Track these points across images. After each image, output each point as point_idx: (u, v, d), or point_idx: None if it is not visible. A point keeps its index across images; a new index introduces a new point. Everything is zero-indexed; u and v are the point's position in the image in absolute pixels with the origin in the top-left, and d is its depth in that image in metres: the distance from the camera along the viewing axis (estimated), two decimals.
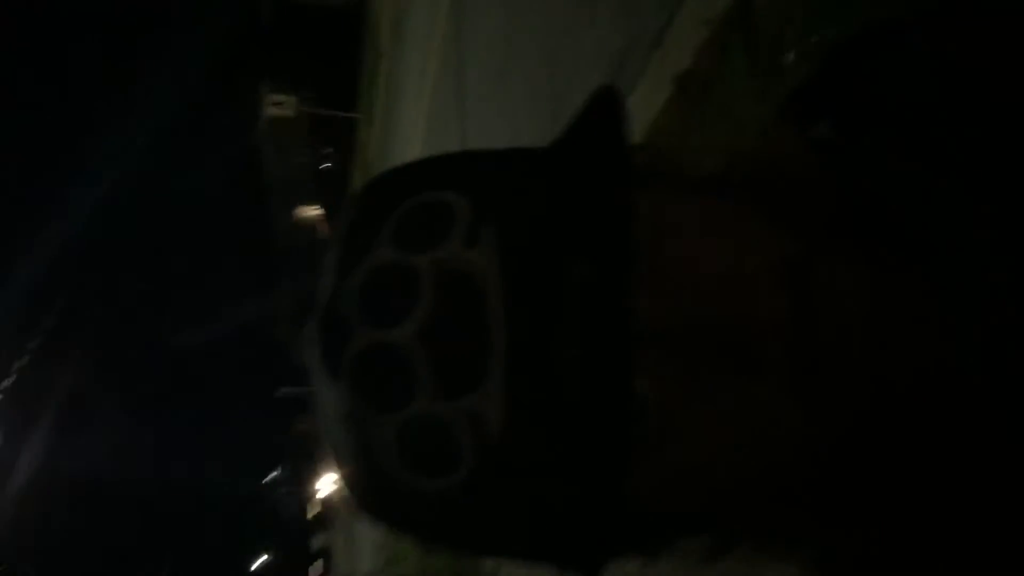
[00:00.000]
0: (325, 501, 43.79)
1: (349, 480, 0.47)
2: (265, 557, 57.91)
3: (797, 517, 0.47)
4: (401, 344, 0.41)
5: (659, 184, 0.45)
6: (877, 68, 0.52)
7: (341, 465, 0.47)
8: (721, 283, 0.42)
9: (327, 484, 40.09)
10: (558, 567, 0.45)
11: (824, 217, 0.47)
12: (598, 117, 0.47)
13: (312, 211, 35.67)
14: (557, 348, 0.40)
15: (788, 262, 0.44)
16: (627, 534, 0.43)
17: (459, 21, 9.07)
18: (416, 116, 12.12)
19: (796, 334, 0.43)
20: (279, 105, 22.40)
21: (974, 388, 0.45)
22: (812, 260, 0.44)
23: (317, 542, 46.73)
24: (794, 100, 0.55)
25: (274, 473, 57.84)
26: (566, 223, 0.42)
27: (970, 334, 0.45)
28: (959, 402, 0.45)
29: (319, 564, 47.61)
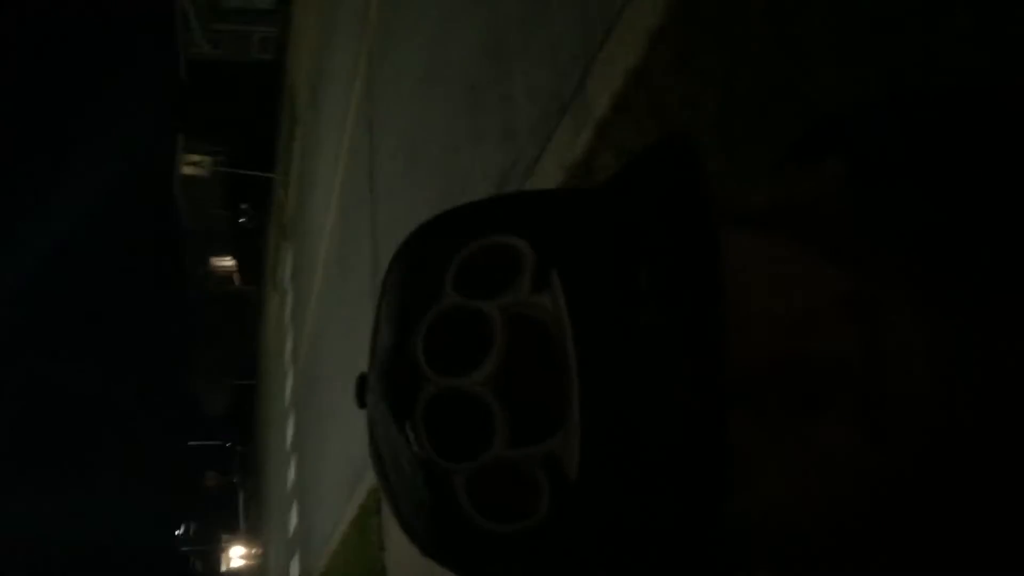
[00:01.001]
0: (232, 573, 42.98)
1: (412, 526, 0.46)
2: None
3: (860, 557, 0.47)
4: (475, 391, 0.41)
5: (725, 221, 0.44)
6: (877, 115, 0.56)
7: (402, 511, 0.46)
8: (788, 321, 0.42)
9: (236, 557, 39.52)
10: None
11: (880, 252, 0.47)
12: (665, 153, 0.46)
13: (226, 263, 35.58)
14: (634, 391, 0.39)
15: (854, 298, 0.43)
16: (706, 572, 0.43)
17: (371, 109, 9.67)
18: (331, 182, 12.62)
19: (866, 370, 0.42)
20: (194, 164, 22.56)
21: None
22: (876, 295, 0.44)
23: None
24: (800, 142, 0.56)
25: (182, 529, 56.44)
26: (636, 263, 0.41)
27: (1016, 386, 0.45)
28: (1012, 447, 0.45)
29: None
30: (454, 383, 0.41)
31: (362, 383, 0.47)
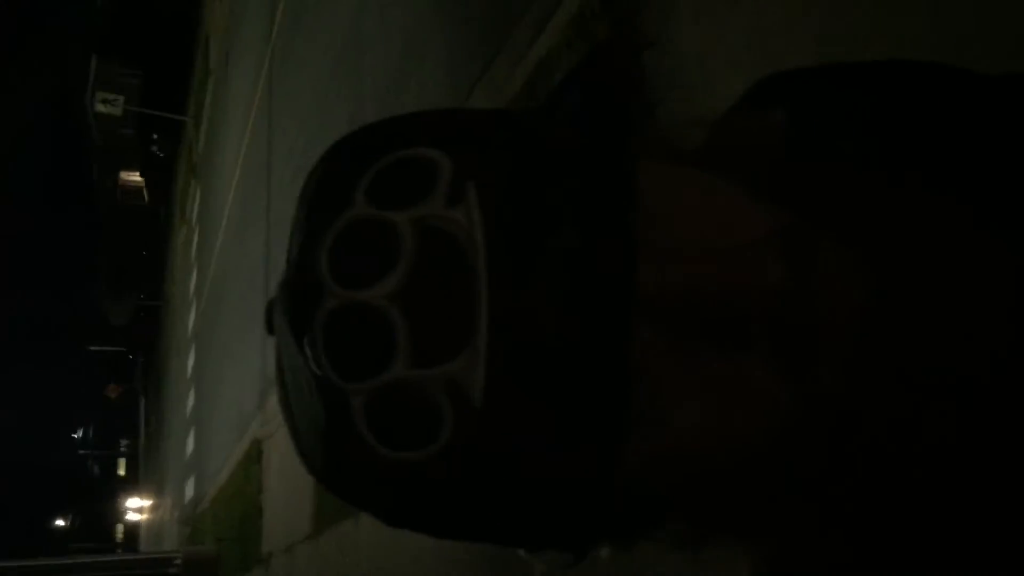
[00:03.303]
0: (130, 524, 43.38)
1: (308, 452, 0.43)
2: (69, 517, 56.76)
3: (770, 509, 0.46)
4: (377, 305, 0.38)
5: (654, 149, 0.43)
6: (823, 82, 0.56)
7: (300, 435, 0.44)
8: (716, 251, 0.41)
9: (133, 510, 39.91)
10: (541, 548, 0.44)
11: (812, 194, 0.46)
12: (590, 75, 0.46)
13: (135, 177, 35.71)
14: (543, 312, 0.37)
15: (782, 235, 0.42)
16: (609, 515, 0.41)
17: (273, 85, 10.53)
18: (237, 142, 13.38)
19: (790, 306, 0.41)
20: (107, 103, 22.76)
21: (978, 382, 0.44)
22: (806, 234, 0.43)
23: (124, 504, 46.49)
24: (749, 94, 0.57)
25: (79, 432, 56.61)
26: (555, 182, 0.40)
27: (976, 325, 0.45)
28: (959, 397, 0.44)
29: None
30: (357, 296, 0.39)
31: (270, 307, 0.44)
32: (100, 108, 23.06)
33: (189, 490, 19.61)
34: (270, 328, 0.44)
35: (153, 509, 36.80)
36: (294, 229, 0.44)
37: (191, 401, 19.68)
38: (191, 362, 20.17)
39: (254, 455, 10.18)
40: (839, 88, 0.55)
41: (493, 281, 0.38)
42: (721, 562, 0.49)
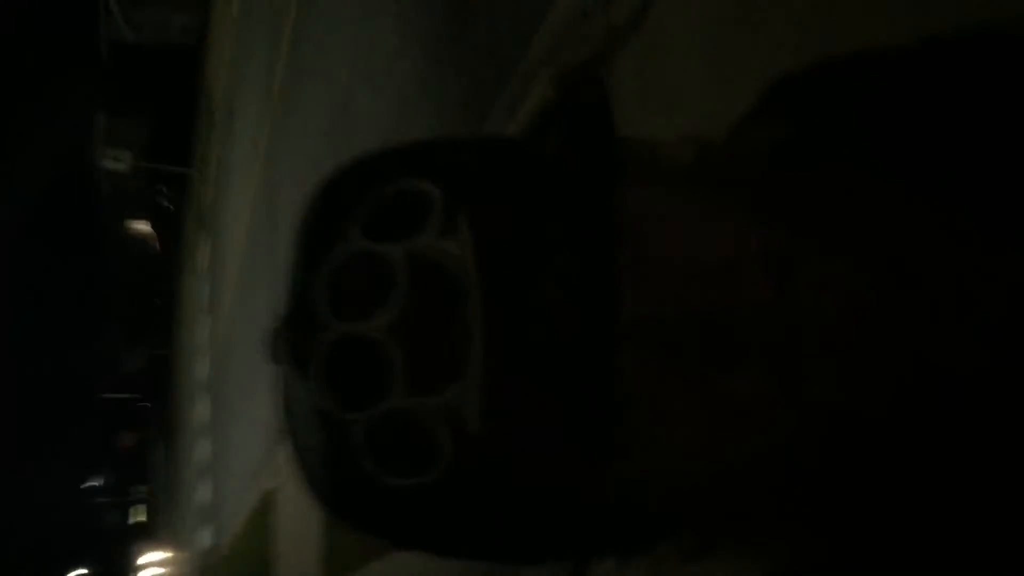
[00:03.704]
0: None
1: (313, 481, 0.45)
2: (83, 571, 56.63)
3: (773, 516, 0.46)
4: (374, 337, 0.39)
5: (641, 173, 0.44)
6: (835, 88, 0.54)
7: (305, 465, 0.45)
8: (704, 272, 0.42)
9: (155, 563, 39.53)
10: (539, 566, 0.44)
11: (807, 211, 0.47)
12: (581, 105, 0.46)
13: (144, 227, 36.14)
14: (537, 339, 0.38)
15: (772, 253, 0.43)
16: (608, 531, 0.42)
17: (275, 143, 10.82)
18: (243, 197, 13.61)
19: (779, 325, 0.42)
20: (115, 159, 23.25)
21: (965, 389, 0.44)
22: (796, 252, 0.44)
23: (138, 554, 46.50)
24: (760, 102, 0.56)
25: (94, 481, 56.64)
26: (546, 212, 0.41)
27: (960, 334, 0.45)
28: (947, 403, 0.44)
29: None
30: (353, 329, 0.40)
31: (274, 336, 0.45)
32: (108, 165, 23.54)
33: (206, 539, 19.68)
34: (275, 356, 0.45)
35: (173, 562, 36.58)
36: (294, 259, 0.46)
37: (206, 449, 19.78)
38: (206, 410, 20.29)
39: (268, 505, 10.34)
40: (838, 87, 0.54)
41: (486, 311, 0.39)
42: (730, 570, 0.49)
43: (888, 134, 0.50)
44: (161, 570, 39.91)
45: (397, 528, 0.45)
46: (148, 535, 46.59)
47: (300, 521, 7.90)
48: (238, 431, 13.61)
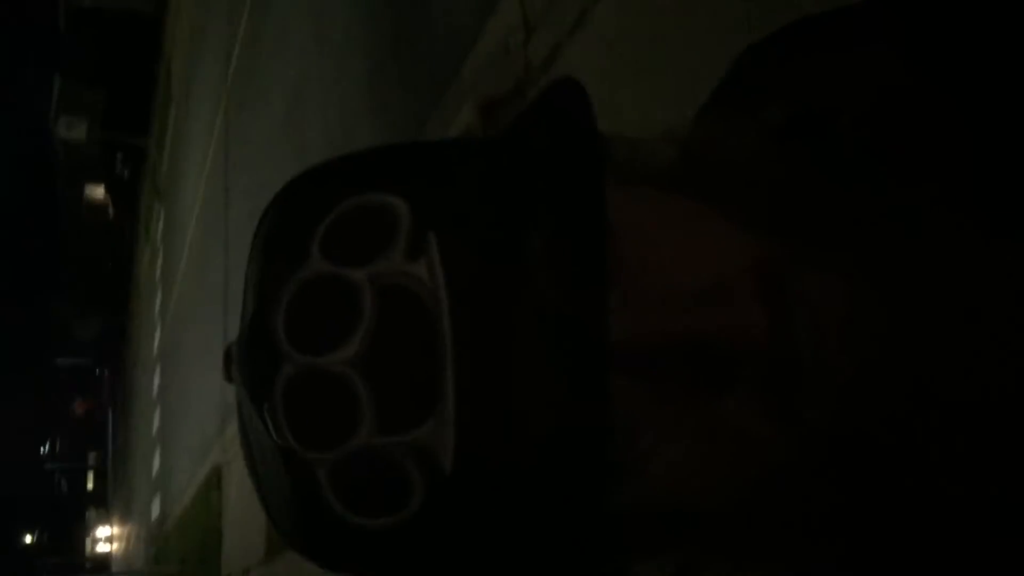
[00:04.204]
0: (97, 555, 42.82)
1: (278, 517, 0.42)
2: (37, 533, 56.24)
3: (770, 539, 0.45)
4: (338, 372, 0.36)
5: (624, 177, 0.41)
6: (830, 52, 0.49)
7: (268, 500, 0.42)
8: (694, 294, 0.39)
9: (101, 539, 39.14)
10: None
11: (790, 215, 0.44)
12: (556, 102, 0.42)
13: (99, 192, 35.75)
14: (514, 374, 0.36)
15: (760, 269, 0.40)
16: (592, 565, 0.39)
17: (230, 123, 10.92)
18: (198, 171, 13.62)
19: (772, 347, 0.40)
20: (71, 127, 23.08)
21: (966, 411, 0.42)
22: (784, 266, 0.41)
23: (91, 516, 46.24)
24: (728, 82, 0.52)
25: (47, 446, 56.17)
26: (523, 229, 0.37)
27: (964, 355, 0.42)
28: (949, 426, 0.42)
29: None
30: (315, 362, 0.37)
31: (228, 356, 0.42)
32: (63, 133, 23.34)
33: (155, 509, 19.79)
34: (228, 376, 0.43)
35: (121, 537, 36.45)
36: (248, 279, 0.42)
37: (157, 420, 19.81)
38: (157, 381, 20.32)
39: (214, 480, 10.53)
40: (833, 66, 0.49)
41: (458, 343, 0.36)
42: None
43: (883, 120, 0.46)
44: (111, 546, 39.85)
45: (369, 568, 0.42)
46: (100, 503, 46.41)
47: (247, 498, 8.13)
48: (188, 404, 13.74)
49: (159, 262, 20.63)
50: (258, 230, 0.43)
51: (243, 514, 8.56)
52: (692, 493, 0.42)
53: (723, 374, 0.40)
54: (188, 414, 13.75)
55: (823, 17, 0.50)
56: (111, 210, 35.55)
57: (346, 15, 6.06)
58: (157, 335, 20.47)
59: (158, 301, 20.44)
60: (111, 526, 40.24)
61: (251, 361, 0.40)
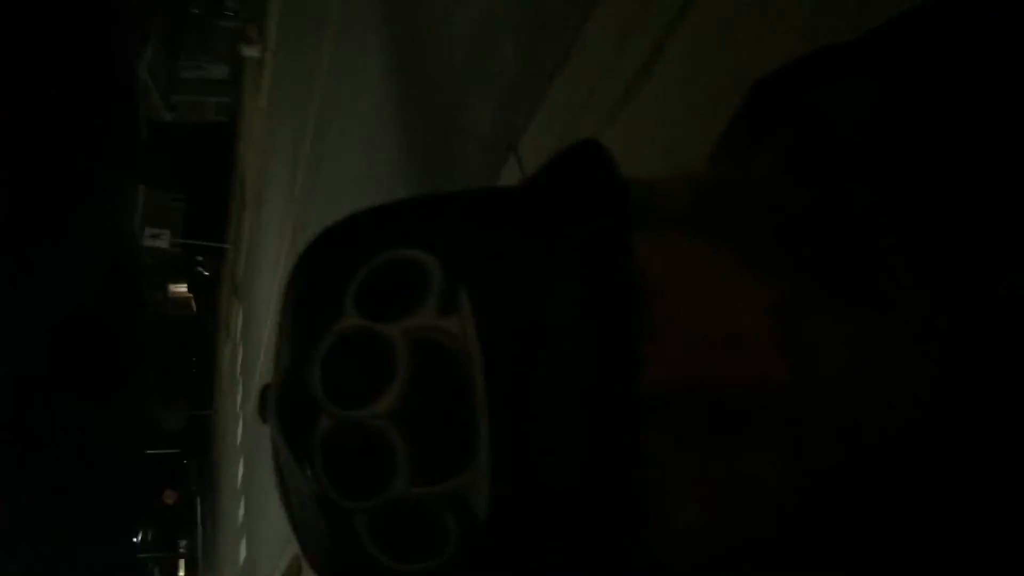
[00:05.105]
0: None
1: (318, 564, 0.43)
2: None
3: (783, 571, 0.45)
4: (375, 425, 0.38)
5: (648, 222, 0.41)
6: (835, 86, 0.49)
7: (305, 542, 0.43)
8: (714, 343, 0.39)
9: None
10: None
11: (803, 252, 0.43)
12: (580, 158, 0.44)
13: (182, 290, 37.36)
14: (547, 424, 0.37)
15: (777, 315, 0.40)
16: None
17: (297, 229, 11.64)
18: (271, 273, 14.28)
19: (790, 391, 0.40)
20: (155, 237, 24.56)
21: (973, 443, 0.42)
22: (799, 310, 0.41)
23: None
24: (743, 113, 0.52)
25: (139, 536, 57.25)
26: (553, 279, 0.38)
27: (986, 401, 0.42)
28: (955, 456, 0.42)
29: None
30: (352, 415, 0.38)
31: (264, 398, 0.43)
32: (148, 242, 24.80)
33: None
34: (263, 417, 0.43)
35: None
36: (283, 329, 0.43)
37: (242, 509, 20.30)
38: (240, 471, 20.84)
39: (295, 569, 11.01)
40: (844, 94, 0.49)
41: (492, 398, 0.37)
42: None
43: (889, 154, 0.46)
44: None
45: None
46: None
47: None
48: (268, 495, 14.14)
49: (239, 357, 21.47)
50: (291, 283, 0.44)
51: None
52: (713, 538, 0.42)
53: (740, 419, 0.40)
54: (268, 504, 14.21)
55: (830, 49, 0.51)
56: (193, 304, 37.11)
57: (387, 154, 6.75)
58: (240, 427, 21.10)
59: (239, 394, 21.15)
60: None
61: (289, 412, 0.41)
